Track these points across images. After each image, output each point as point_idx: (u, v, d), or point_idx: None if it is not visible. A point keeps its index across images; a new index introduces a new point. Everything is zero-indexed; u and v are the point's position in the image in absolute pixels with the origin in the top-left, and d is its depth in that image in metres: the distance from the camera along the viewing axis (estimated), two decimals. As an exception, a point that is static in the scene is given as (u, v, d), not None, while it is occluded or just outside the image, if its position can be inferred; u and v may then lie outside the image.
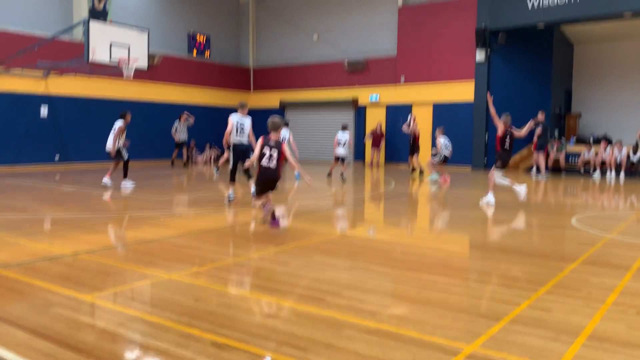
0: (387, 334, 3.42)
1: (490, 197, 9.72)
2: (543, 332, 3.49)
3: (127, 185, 11.86)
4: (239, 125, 9.37)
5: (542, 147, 16.96)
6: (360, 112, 23.11)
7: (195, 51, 24.11)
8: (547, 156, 17.77)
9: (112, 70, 16.93)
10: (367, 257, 5.65)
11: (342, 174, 15.26)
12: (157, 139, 21.21)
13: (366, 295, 4.29)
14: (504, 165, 9.80)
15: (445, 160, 14.43)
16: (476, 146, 19.84)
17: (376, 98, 22.60)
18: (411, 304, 4.06)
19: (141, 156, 20.50)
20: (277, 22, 25.74)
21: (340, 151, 15.38)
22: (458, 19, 20.12)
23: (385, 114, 22.34)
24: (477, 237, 7.26)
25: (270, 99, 25.93)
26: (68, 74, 18.34)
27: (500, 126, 9.66)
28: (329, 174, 15.70)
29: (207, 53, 24.69)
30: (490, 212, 9.17)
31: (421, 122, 21.42)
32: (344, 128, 15.79)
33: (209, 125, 23.89)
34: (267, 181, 7.07)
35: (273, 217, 7.09)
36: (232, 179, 9.63)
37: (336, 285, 4.56)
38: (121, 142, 11.95)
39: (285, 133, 14.35)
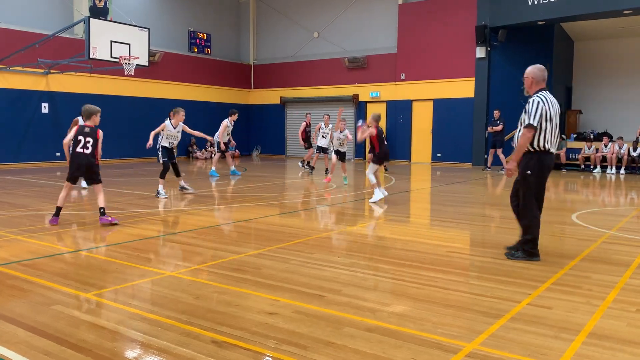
0: (387, 332, 3.43)
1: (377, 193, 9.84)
2: (543, 330, 3.49)
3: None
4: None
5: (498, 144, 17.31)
6: (360, 109, 23.09)
7: (195, 48, 24.09)
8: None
9: (113, 68, 16.94)
10: (367, 254, 5.65)
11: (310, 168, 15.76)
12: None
13: (366, 292, 4.29)
14: (380, 162, 10.04)
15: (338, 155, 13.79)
16: (476, 143, 19.83)
17: (377, 94, 22.58)
18: (411, 302, 4.06)
19: (140, 154, 20.50)
20: (277, 19, 25.70)
21: (323, 143, 15.36)
22: (458, 15, 20.08)
23: (386, 110, 22.33)
24: (477, 234, 7.25)
25: (270, 96, 25.92)
26: (69, 71, 18.34)
27: (372, 130, 9.77)
28: (310, 166, 16.12)
29: (207, 50, 24.67)
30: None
31: (421, 118, 21.44)
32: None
33: (210, 122, 23.85)
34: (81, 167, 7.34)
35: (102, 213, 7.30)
36: (163, 176, 10.37)
37: (336, 282, 4.56)
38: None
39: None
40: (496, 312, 3.82)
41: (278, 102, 25.54)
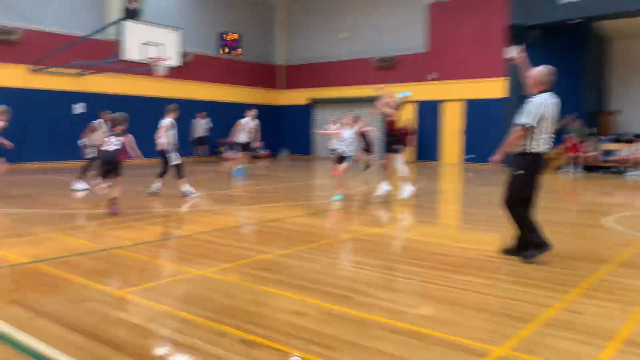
0: (414, 334, 3.41)
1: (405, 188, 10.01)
2: (575, 336, 3.42)
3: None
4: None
5: None
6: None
7: (226, 49, 24.34)
8: (576, 153, 17.43)
9: (145, 69, 17.25)
10: (395, 256, 5.63)
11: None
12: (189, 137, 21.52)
13: (394, 294, 4.28)
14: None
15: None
16: (508, 144, 19.50)
17: (406, 94, 22.43)
18: (440, 304, 4.03)
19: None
20: (306, 20, 25.78)
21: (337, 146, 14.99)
22: (489, 15, 19.81)
23: (417, 111, 22.17)
24: (507, 236, 7.14)
25: (299, 97, 26.02)
26: (102, 72, 18.76)
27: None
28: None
29: (238, 51, 24.89)
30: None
31: (452, 118, 21.20)
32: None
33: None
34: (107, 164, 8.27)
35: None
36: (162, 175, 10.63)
37: (363, 283, 4.55)
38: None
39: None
40: (526, 316, 3.76)
41: (307, 102, 25.61)
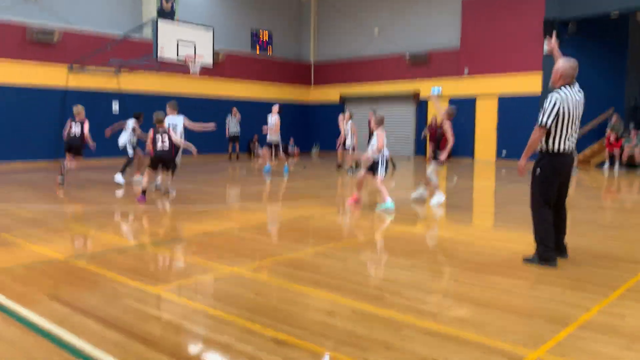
0: (447, 336, 3.36)
1: (439, 196, 9.31)
2: (615, 340, 3.32)
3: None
4: (171, 126, 10.35)
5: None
6: (421, 105, 22.77)
7: (258, 47, 24.48)
8: (621, 150, 16.90)
9: (179, 67, 17.50)
10: (428, 256, 5.57)
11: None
12: (222, 133, 21.76)
13: (427, 295, 4.23)
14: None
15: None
16: (544, 140, 19.09)
17: (439, 91, 22.16)
18: (473, 306, 3.96)
19: (203, 150, 21.03)
20: (338, 17, 25.71)
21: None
22: (524, 9, 19.39)
23: (448, 106, 21.89)
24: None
25: (330, 94, 25.99)
26: (138, 71, 19.11)
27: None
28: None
29: (269, 49, 25.02)
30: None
31: (486, 114, 20.84)
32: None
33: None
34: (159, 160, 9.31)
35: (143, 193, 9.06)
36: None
37: (396, 283, 4.51)
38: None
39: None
40: (564, 319, 3.66)
41: (338, 99, 25.57)
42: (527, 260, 5.16)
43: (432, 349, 3.17)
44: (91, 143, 11.30)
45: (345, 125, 15.18)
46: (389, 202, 8.41)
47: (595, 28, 18.19)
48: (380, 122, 8.81)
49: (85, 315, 3.70)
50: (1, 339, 3.29)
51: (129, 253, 5.61)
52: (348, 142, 15.29)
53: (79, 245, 5.90)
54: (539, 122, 5.00)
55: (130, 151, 12.33)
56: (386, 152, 8.80)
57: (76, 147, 11.17)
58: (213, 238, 6.51)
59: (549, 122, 4.92)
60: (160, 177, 10.23)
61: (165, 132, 9.38)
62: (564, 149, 5.00)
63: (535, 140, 5.08)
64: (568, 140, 5.00)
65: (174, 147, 9.42)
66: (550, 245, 5.03)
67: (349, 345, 3.22)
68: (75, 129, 11.14)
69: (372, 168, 8.70)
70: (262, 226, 7.24)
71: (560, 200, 5.22)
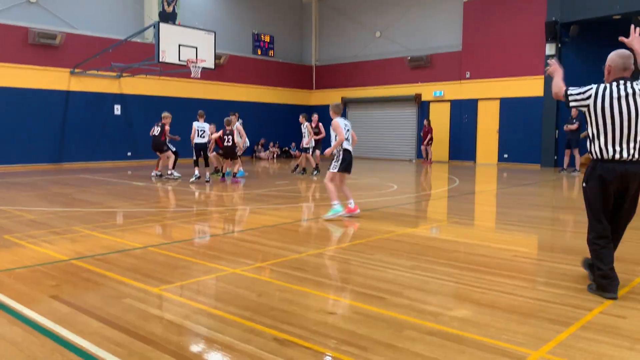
0: (449, 336, 3.36)
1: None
2: (617, 341, 3.31)
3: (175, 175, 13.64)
4: (200, 130, 13.02)
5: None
6: (423, 108, 22.79)
7: (259, 51, 24.54)
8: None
9: (181, 71, 17.55)
10: (430, 257, 5.56)
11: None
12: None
13: (428, 295, 4.23)
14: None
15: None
16: (545, 143, 19.10)
17: (440, 93, 22.20)
18: (474, 306, 3.96)
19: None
20: (339, 20, 25.77)
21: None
22: (526, 11, 19.42)
23: (450, 109, 21.94)
24: (546, 238, 6.99)
25: (331, 97, 26.02)
26: (140, 75, 19.16)
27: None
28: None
29: (271, 52, 25.07)
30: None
31: (487, 117, 20.85)
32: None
33: (273, 122, 24.29)
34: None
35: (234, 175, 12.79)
36: (196, 164, 13.42)
37: (397, 284, 4.51)
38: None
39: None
40: (565, 320, 3.66)
41: (339, 102, 25.61)
42: (589, 287, 4.37)
43: (434, 348, 3.17)
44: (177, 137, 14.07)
45: (303, 127, 15.09)
46: (336, 206, 7.74)
47: (597, 30, 18.20)
48: (336, 110, 8.01)
49: (87, 314, 3.71)
50: (4, 338, 3.30)
51: (131, 254, 5.62)
52: (306, 143, 15.14)
53: (81, 246, 5.92)
54: (565, 93, 4.43)
55: (173, 148, 13.89)
56: (347, 146, 7.91)
57: (156, 145, 13.68)
58: (214, 240, 6.52)
59: (570, 103, 4.38)
60: (198, 170, 13.17)
61: (231, 132, 12.61)
62: (613, 155, 4.17)
63: (553, 88, 4.58)
64: (618, 144, 4.15)
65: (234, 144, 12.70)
66: (604, 267, 4.19)
67: (351, 345, 3.22)
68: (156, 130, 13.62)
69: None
70: (263, 228, 7.24)
71: (615, 216, 4.38)
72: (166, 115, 13.69)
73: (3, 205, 8.92)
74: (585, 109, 4.33)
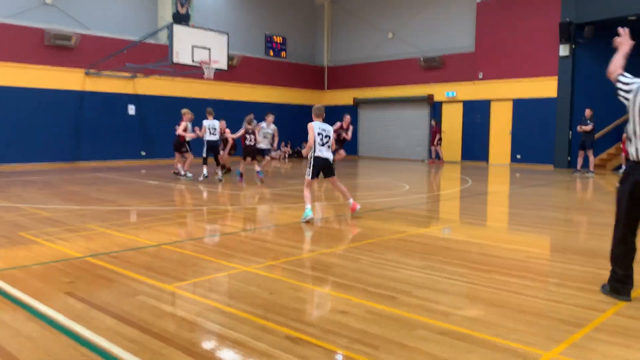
0: (460, 336, 3.36)
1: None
2: (630, 342, 3.29)
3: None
4: (211, 127, 13.01)
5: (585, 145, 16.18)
6: (435, 109, 22.72)
7: (272, 52, 24.62)
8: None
9: (194, 72, 17.66)
10: (441, 257, 5.56)
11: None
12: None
13: (439, 295, 4.23)
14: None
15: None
16: (559, 144, 18.95)
17: (453, 94, 22.12)
18: (486, 306, 3.95)
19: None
20: (351, 21, 25.77)
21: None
22: (540, 12, 19.28)
23: (463, 110, 21.85)
24: (559, 239, 6.94)
25: (343, 97, 26.04)
26: (153, 75, 19.31)
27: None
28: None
29: (283, 53, 25.14)
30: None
31: (500, 118, 20.73)
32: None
33: (285, 123, 24.32)
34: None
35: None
36: (205, 162, 13.33)
37: (408, 284, 4.52)
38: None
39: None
40: (578, 321, 3.64)
41: (351, 103, 25.60)
42: (602, 287, 4.33)
43: (444, 348, 3.17)
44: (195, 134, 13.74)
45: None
46: (307, 210, 7.57)
47: (612, 31, 18.01)
48: (317, 113, 7.90)
49: (101, 311, 3.76)
50: (20, 333, 3.36)
51: (145, 252, 5.67)
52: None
53: (95, 243, 5.99)
54: (616, 77, 4.22)
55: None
56: (318, 152, 7.69)
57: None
58: (226, 238, 6.56)
59: (616, 90, 4.17)
60: (207, 169, 13.22)
61: (253, 131, 12.73)
62: None
63: (610, 64, 4.32)
64: None
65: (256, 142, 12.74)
66: (619, 272, 4.13)
67: (362, 343, 3.23)
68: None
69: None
70: (275, 227, 7.28)
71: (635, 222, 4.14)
72: (185, 112, 13.62)
73: (20, 203, 9.05)
74: (626, 102, 4.09)
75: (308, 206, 7.68)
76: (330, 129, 7.94)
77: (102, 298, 4.07)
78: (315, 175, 7.83)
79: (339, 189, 8.26)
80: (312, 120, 7.88)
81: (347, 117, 15.39)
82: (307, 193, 7.86)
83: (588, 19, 17.69)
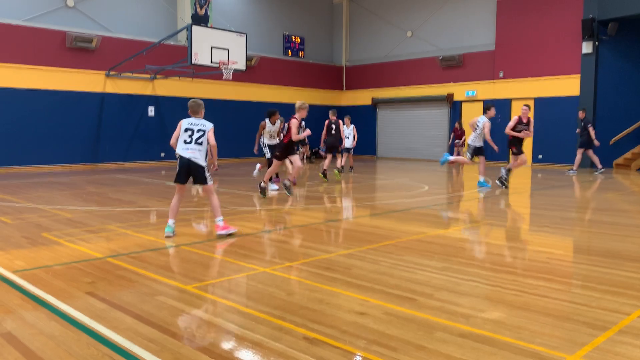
0: (481, 339, 3.31)
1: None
2: (656, 346, 3.21)
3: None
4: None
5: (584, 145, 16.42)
6: (455, 108, 22.53)
7: (290, 52, 24.65)
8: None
9: (213, 72, 17.77)
10: (461, 258, 5.49)
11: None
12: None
13: (460, 297, 4.17)
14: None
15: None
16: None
17: (473, 93, 21.91)
18: (507, 309, 3.89)
19: (239, 154, 21.31)
20: (370, 20, 25.69)
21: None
22: (562, 8, 19.01)
23: (483, 109, 21.61)
24: (582, 240, 6.82)
25: (362, 97, 25.98)
26: (173, 77, 19.47)
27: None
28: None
29: (301, 53, 25.16)
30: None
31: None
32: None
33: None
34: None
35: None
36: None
37: (428, 286, 4.47)
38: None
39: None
40: (602, 324, 3.56)
41: (369, 102, 25.52)
42: None
43: (465, 350, 3.12)
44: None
45: (348, 129, 15.75)
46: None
47: (636, 28, 17.69)
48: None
49: (122, 310, 3.79)
50: (43, 332, 3.40)
51: (164, 252, 5.71)
52: (351, 144, 16.11)
53: (116, 244, 6.04)
54: None
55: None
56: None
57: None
58: (246, 239, 6.57)
59: None
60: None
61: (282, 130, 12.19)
62: None
63: None
64: None
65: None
66: None
67: (380, 345, 3.20)
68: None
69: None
70: (293, 228, 7.27)
71: None
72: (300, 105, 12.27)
73: (42, 204, 9.19)
74: None
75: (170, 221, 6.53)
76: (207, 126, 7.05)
77: (123, 298, 4.10)
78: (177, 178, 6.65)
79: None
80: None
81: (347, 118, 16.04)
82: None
83: (611, 15, 17.39)
